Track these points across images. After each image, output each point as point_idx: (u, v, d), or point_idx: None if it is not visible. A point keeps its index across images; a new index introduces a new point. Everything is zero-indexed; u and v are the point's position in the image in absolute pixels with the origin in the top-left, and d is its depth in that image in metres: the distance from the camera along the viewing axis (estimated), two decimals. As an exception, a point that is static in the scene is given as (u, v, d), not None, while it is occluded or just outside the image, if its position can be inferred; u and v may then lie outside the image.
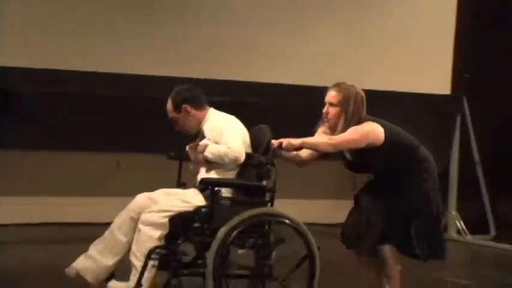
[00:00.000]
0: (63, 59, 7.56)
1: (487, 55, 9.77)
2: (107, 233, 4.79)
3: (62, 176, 8.34)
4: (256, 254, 4.75)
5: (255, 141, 4.99)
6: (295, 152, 4.97)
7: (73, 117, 8.16)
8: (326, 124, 5.00)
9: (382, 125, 4.95)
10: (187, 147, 5.04)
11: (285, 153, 4.90)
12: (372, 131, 4.91)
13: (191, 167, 5.06)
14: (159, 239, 4.66)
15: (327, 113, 4.99)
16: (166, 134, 8.54)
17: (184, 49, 8.03)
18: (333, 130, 4.98)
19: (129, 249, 4.73)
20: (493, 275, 6.95)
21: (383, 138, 4.89)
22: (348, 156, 5.00)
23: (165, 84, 7.77)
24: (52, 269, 5.71)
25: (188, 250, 4.72)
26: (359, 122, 4.93)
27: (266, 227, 4.77)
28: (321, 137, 4.94)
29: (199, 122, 5.02)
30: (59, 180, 8.35)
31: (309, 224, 4.78)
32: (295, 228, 4.76)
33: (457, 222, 8.90)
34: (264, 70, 8.27)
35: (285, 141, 4.79)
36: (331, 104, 4.99)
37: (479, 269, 7.28)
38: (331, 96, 5.02)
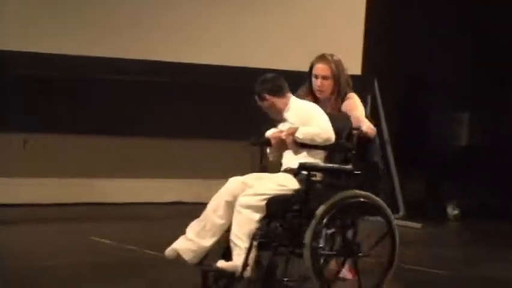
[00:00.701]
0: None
1: (397, 36, 9.94)
2: (202, 216, 5.02)
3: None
4: (343, 233, 5.05)
5: (334, 128, 5.14)
6: None
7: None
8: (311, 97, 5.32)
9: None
10: (267, 133, 5.22)
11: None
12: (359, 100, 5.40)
13: (268, 150, 5.25)
14: (258, 221, 4.89)
15: (322, 86, 5.25)
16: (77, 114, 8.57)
17: (102, 28, 7.98)
18: (325, 101, 5.31)
19: (226, 231, 4.98)
20: (401, 252, 7.03)
21: None
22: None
23: (81, 64, 7.81)
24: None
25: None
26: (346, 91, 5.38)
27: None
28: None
29: (281, 110, 5.18)
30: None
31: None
32: (379, 208, 5.15)
33: None
34: (182, 50, 8.27)
35: (369, 129, 5.19)
36: (324, 77, 5.27)
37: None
38: (322, 69, 5.30)
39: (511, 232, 8.83)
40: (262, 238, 4.90)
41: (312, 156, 5.12)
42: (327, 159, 5.15)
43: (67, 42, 7.74)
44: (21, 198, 8.38)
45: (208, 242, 4.99)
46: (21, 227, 7.58)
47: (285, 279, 4.94)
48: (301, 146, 5.08)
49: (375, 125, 5.48)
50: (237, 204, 4.93)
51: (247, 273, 4.87)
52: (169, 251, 5.00)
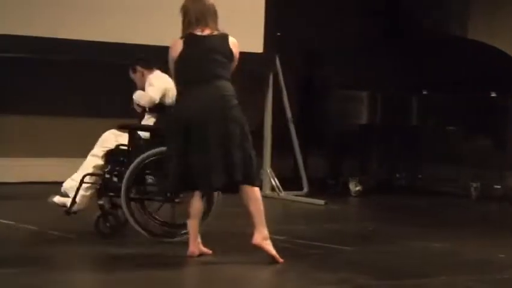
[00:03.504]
0: None
1: (299, 12, 10.01)
2: (84, 162, 6.27)
3: None
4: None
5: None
6: None
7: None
8: None
9: None
10: None
11: None
12: None
13: None
14: (95, 167, 6.20)
15: None
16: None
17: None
18: None
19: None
20: (306, 230, 7.13)
21: None
22: None
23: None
24: None
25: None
26: None
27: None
28: None
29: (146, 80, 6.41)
30: None
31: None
32: None
33: (271, 179, 9.10)
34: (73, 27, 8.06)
35: None
36: None
37: (292, 225, 7.39)
38: None
39: (411, 207, 9.04)
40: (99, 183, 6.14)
41: (149, 118, 6.33)
42: (157, 122, 6.27)
43: None
44: None
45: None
46: None
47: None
48: (144, 109, 6.31)
49: None
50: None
51: (75, 208, 6.13)
52: (62, 189, 6.24)
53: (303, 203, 8.74)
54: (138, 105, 6.37)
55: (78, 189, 6.15)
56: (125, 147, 6.20)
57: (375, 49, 10.29)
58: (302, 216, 8.14)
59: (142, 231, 6.05)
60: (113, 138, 6.29)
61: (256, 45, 8.95)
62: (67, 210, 6.15)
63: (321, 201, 8.63)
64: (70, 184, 6.24)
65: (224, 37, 5.63)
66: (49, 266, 5.43)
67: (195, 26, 5.55)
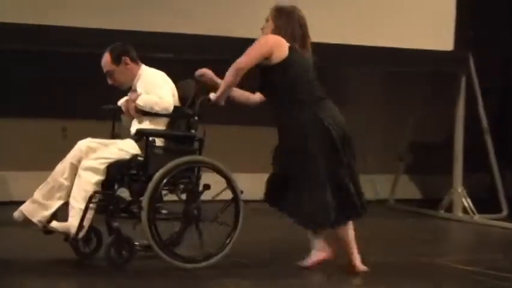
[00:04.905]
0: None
1: (496, 5, 9.59)
2: (49, 179, 5.60)
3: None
4: (186, 198, 5.60)
5: (182, 95, 5.80)
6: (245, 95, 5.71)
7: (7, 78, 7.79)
8: None
9: None
10: (120, 101, 5.84)
11: (221, 103, 5.56)
12: None
13: (123, 119, 5.85)
14: (96, 184, 5.46)
15: None
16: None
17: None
18: None
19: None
20: (503, 259, 6.57)
21: None
22: None
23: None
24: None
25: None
26: None
27: (196, 173, 5.64)
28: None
29: (134, 76, 5.81)
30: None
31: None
32: (222, 173, 5.60)
33: (463, 199, 8.67)
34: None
35: (212, 97, 5.56)
36: None
37: (487, 254, 6.86)
38: None
39: None
40: (100, 201, 5.46)
41: (155, 122, 5.70)
42: (170, 125, 5.76)
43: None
44: None
45: (54, 203, 5.53)
46: None
47: (136, 243, 5.48)
48: (143, 113, 5.68)
49: None
50: (79, 167, 5.49)
51: (82, 234, 5.43)
52: (16, 214, 5.53)
53: (501, 228, 8.22)
54: (136, 110, 5.66)
55: (86, 210, 5.39)
56: (141, 159, 5.49)
57: None
58: (500, 243, 7.69)
59: (167, 258, 5.43)
60: (111, 147, 5.59)
61: (445, 42, 8.52)
62: (73, 238, 5.42)
63: (525, 227, 8.16)
64: (31, 208, 5.50)
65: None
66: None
67: (297, 41, 5.57)
